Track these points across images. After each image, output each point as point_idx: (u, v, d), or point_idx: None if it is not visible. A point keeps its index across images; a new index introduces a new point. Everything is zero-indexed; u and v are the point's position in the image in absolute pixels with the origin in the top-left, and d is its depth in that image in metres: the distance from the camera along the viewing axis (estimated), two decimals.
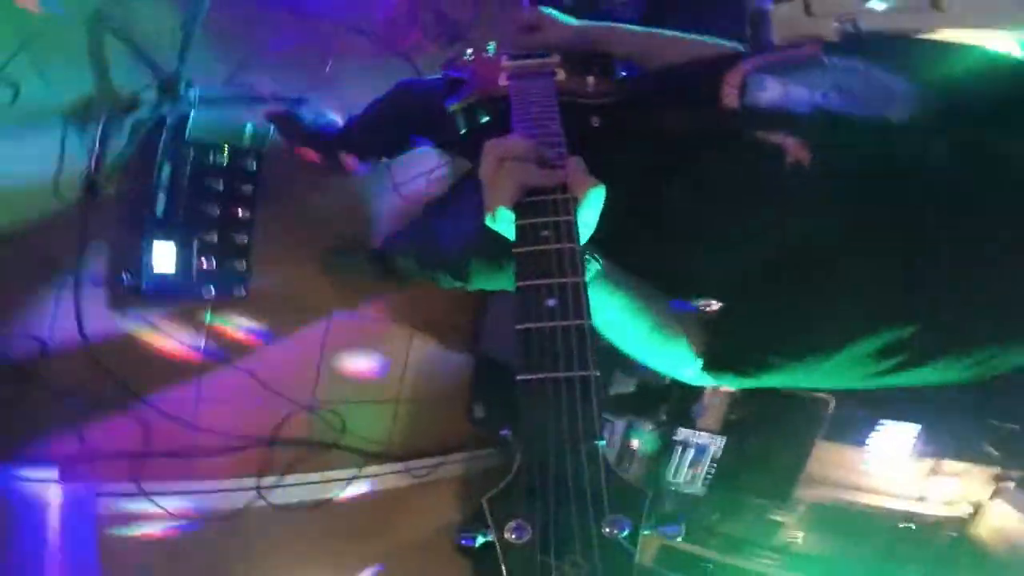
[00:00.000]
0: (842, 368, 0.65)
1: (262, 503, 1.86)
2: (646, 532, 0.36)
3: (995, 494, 1.99)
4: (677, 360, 0.75)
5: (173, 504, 1.66)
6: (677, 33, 0.95)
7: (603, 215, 0.58)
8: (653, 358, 0.76)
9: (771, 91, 0.71)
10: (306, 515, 1.95)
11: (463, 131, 0.95)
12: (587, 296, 0.47)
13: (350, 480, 2.08)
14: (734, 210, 0.70)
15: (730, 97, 0.73)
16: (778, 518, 2.13)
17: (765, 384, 0.71)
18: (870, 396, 2.02)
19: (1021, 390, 1.83)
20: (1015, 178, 0.56)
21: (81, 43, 1.28)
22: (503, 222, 0.57)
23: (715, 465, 2.11)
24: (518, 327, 0.47)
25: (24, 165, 1.29)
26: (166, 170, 1.38)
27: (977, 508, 2.01)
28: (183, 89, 1.33)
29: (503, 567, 0.36)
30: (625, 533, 0.35)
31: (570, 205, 0.54)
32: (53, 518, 1.37)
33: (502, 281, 1.11)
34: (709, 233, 0.73)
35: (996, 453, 1.94)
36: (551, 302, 0.47)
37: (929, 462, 2.03)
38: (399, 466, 2.25)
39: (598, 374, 0.43)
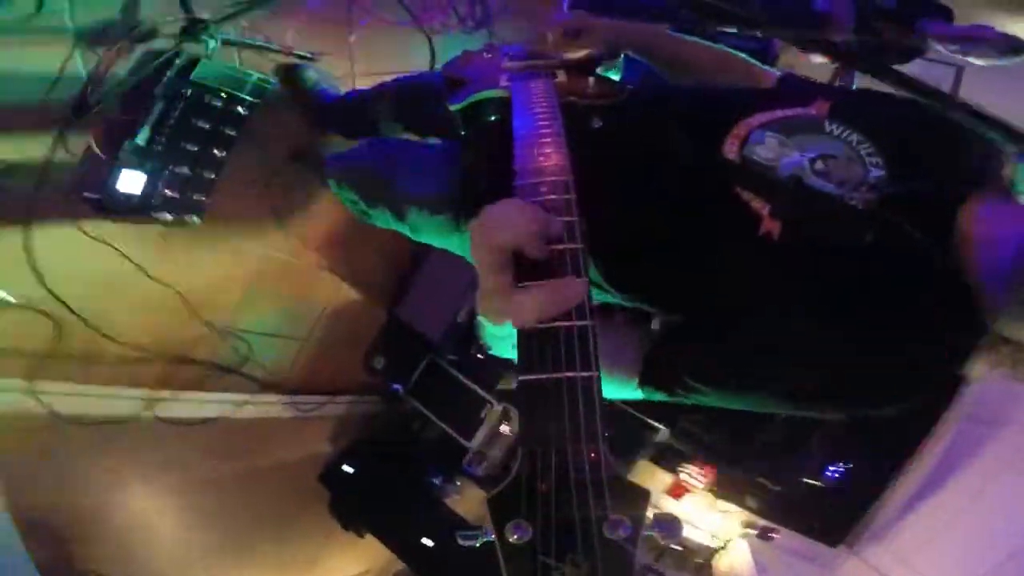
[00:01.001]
0: (760, 401, 0.73)
1: (148, 414, 1.89)
2: (646, 533, 0.36)
3: (741, 536, 2.52)
4: (616, 386, 0.78)
5: (63, 406, 1.64)
6: (717, 46, 0.96)
7: (596, 214, 0.56)
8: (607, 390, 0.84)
9: (768, 149, 0.76)
10: (186, 430, 2.00)
11: (463, 131, 0.94)
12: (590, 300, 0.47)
13: (240, 405, 2.15)
14: (704, 250, 0.74)
15: (731, 149, 0.77)
16: None
17: (692, 403, 0.77)
18: (694, 436, 2.48)
19: (795, 458, 2.36)
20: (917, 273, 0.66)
21: None
22: (503, 331, 0.51)
23: None
24: (520, 330, 0.46)
25: (21, 80, 1.17)
26: (159, 106, 1.31)
27: (725, 544, 2.53)
28: (205, 36, 1.25)
29: (503, 567, 0.35)
30: (626, 534, 0.35)
31: (579, 259, 0.50)
32: None
33: (451, 242, 1.06)
34: (682, 262, 0.76)
35: (754, 505, 2.48)
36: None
37: (711, 497, 2.54)
38: (287, 398, 2.35)
39: (599, 375, 0.42)
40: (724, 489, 2.55)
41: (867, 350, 0.66)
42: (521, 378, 0.42)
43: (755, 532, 2.53)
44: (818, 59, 1.22)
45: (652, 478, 2.60)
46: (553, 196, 0.55)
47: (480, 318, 0.53)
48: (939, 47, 1.21)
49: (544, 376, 0.42)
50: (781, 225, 0.69)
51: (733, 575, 2.50)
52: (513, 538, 0.35)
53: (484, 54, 0.97)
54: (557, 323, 0.45)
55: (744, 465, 2.48)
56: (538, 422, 0.40)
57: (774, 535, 2.49)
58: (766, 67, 0.95)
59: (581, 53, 0.92)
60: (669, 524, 0.38)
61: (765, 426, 2.34)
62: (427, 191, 1.09)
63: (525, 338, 0.45)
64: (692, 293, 0.75)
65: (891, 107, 0.84)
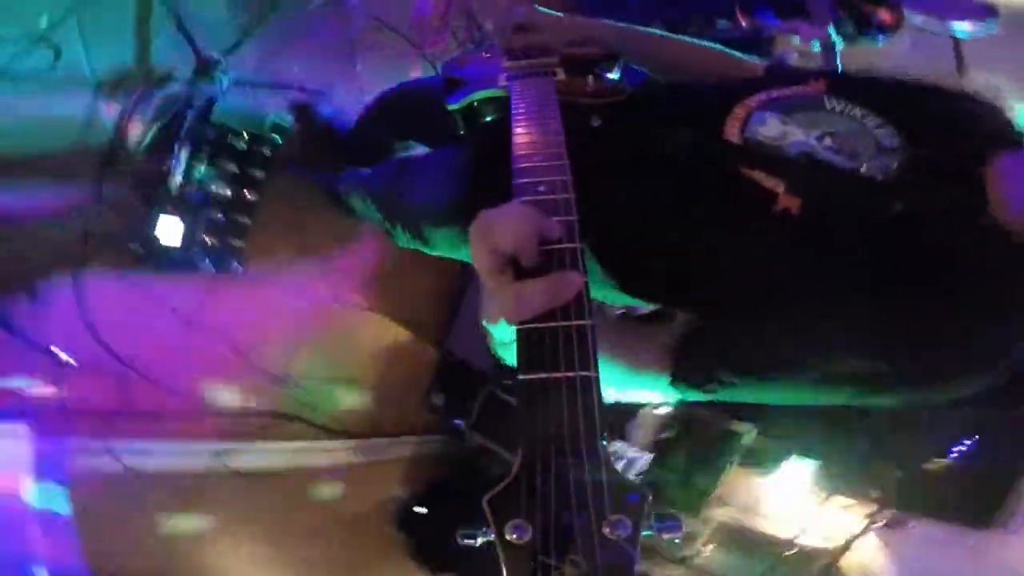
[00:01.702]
0: (801, 390, 0.70)
1: (221, 467, 1.92)
2: (646, 533, 0.36)
3: (865, 531, 2.25)
4: (647, 386, 0.77)
5: (137, 462, 1.69)
6: (697, 41, 0.96)
7: (595, 213, 0.57)
8: (628, 392, 0.78)
9: (770, 128, 0.75)
10: (260, 482, 2.02)
11: (463, 132, 0.95)
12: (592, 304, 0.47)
13: (307, 452, 2.16)
14: (719, 237, 0.73)
15: (733, 131, 0.76)
16: (688, 531, 2.36)
17: (727, 399, 0.75)
18: (782, 433, 2.27)
19: (908, 438, 2.11)
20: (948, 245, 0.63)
21: (128, 14, 1.27)
22: (502, 331, 0.53)
23: (640, 477, 2.32)
24: (520, 328, 0.46)
25: (49, 130, 1.28)
26: (185, 151, 1.39)
27: (849, 542, 2.26)
28: (217, 74, 1.34)
29: (503, 567, 0.35)
30: (626, 534, 0.35)
31: (578, 258, 0.50)
32: (25, 472, 1.40)
33: (463, 254, 1.08)
34: (695, 253, 0.75)
35: (875, 494, 2.22)
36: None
37: (819, 495, 2.30)
38: (353, 443, 2.35)
39: (599, 374, 0.42)
40: (834, 483, 2.30)
41: (919, 322, 0.62)
42: (520, 377, 0.43)
43: (883, 523, 2.26)
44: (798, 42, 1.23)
45: (744, 483, 2.40)
46: (552, 195, 0.56)
47: (485, 324, 0.55)
48: (918, 19, 1.23)
49: (544, 375, 0.42)
50: (800, 201, 0.68)
51: (865, 572, 2.23)
52: (512, 538, 0.35)
53: (483, 54, 0.98)
54: (557, 323, 0.45)
55: (850, 455, 2.26)
56: (538, 421, 0.40)
57: (905, 526, 2.21)
58: (754, 59, 0.96)
59: (589, 52, 0.93)
60: (670, 523, 0.38)
61: (867, 412, 2.14)
62: (432, 203, 1.12)
63: (524, 337, 0.45)
64: (711, 284, 0.74)
65: (886, 81, 0.84)
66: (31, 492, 1.39)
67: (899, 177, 0.67)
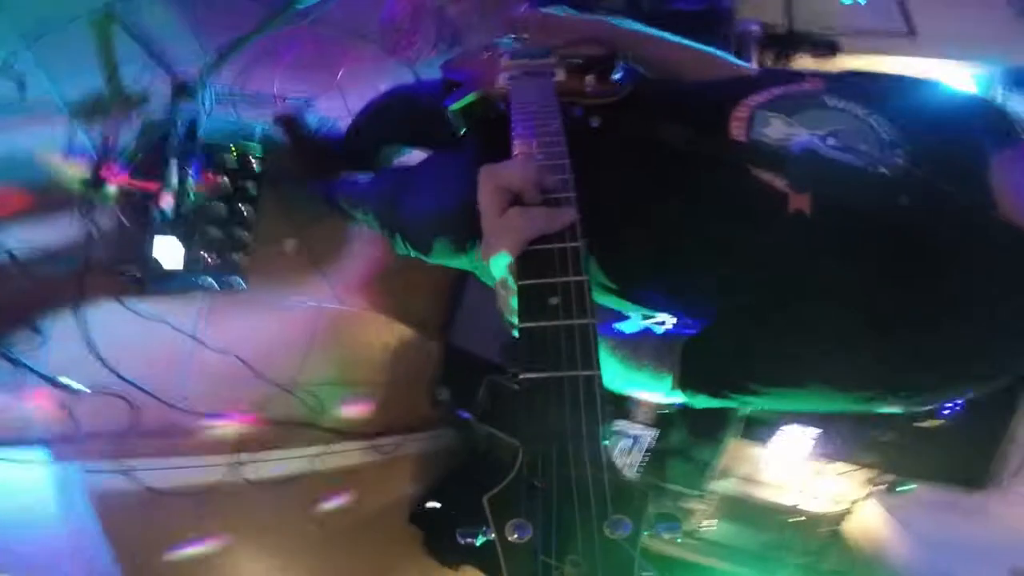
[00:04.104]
0: (812, 397, 0.69)
1: (237, 478, 1.95)
2: (646, 532, 0.36)
3: (868, 495, 2.30)
4: (648, 387, 0.77)
5: (154, 479, 1.72)
6: (691, 42, 0.96)
7: (596, 213, 0.56)
8: (626, 388, 0.78)
9: (775, 129, 0.74)
10: (277, 489, 2.06)
11: (463, 132, 0.94)
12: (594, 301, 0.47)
13: (321, 456, 2.19)
14: (731, 239, 0.71)
15: (738, 130, 0.75)
16: (693, 505, 2.39)
17: (735, 405, 0.73)
18: None
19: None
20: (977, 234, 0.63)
21: (89, 42, 1.26)
22: (499, 267, 0.54)
23: (648, 454, 2.34)
24: (521, 325, 0.46)
25: (30, 162, 1.28)
26: (175, 168, 1.40)
27: (852, 507, 2.32)
28: (198, 91, 1.34)
29: (503, 567, 0.35)
30: (626, 534, 0.35)
31: (579, 255, 0.50)
32: (48, 498, 1.42)
33: (462, 262, 1.09)
34: (701, 253, 0.73)
35: (874, 459, 2.26)
36: (554, 300, 0.47)
37: (820, 463, 2.34)
38: (365, 443, 2.38)
39: (600, 373, 0.42)
40: (829, 449, 2.34)
41: (935, 320, 0.61)
42: (522, 376, 0.43)
43: (883, 488, 2.30)
44: None
45: (745, 454, 2.44)
46: (553, 195, 0.56)
47: (484, 262, 0.55)
48: None
49: (545, 374, 0.42)
50: (811, 200, 0.67)
51: (870, 537, 2.27)
52: (513, 537, 0.35)
53: (482, 54, 0.98)
54: (559, 321, 0.45)
55: (844, 421, 2.29)
56: (539, 420, 0.40)
57: (907, 488, 2.25)
58: (746, 64, 0.96)
59: (588, 52, 0.92)
60: (670, 523, 0.38)
61: None
62: (431, 212, 1.12)
63: (527, 336, 0.45)
64: (720, 287, 0.72)
65: (883, 79, 0.82)
66: (57, 515, 1.42)
67: (905, 172, 0.67)
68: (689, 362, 0.74)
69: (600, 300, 0.84)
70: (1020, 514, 2.03)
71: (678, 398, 0.76)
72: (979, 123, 0.72)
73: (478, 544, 0.38)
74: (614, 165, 0.80)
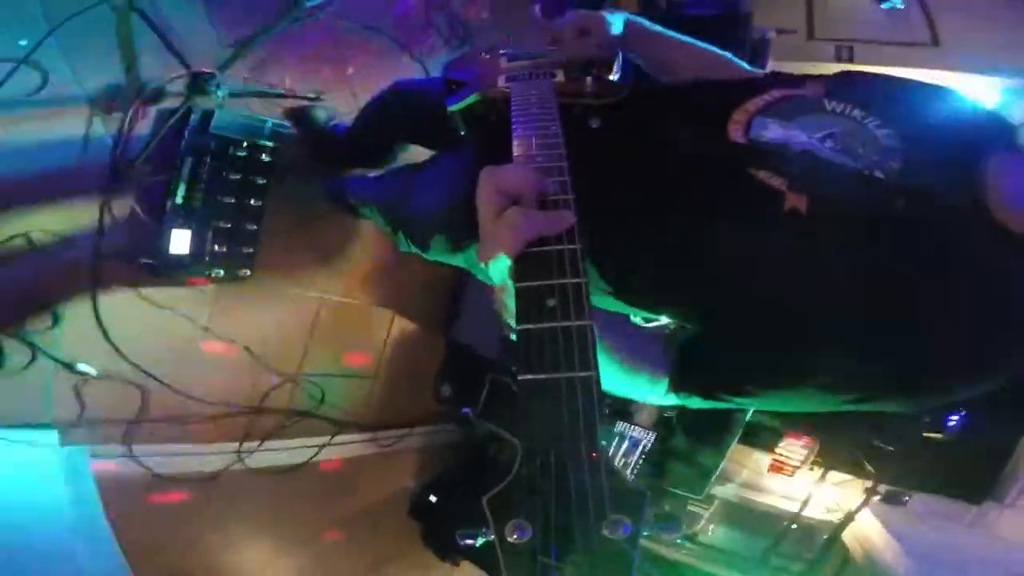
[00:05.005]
0: (804, 398, 0.69)
1: (240, 466, 1.98)
2: (646, 533, 0.36)
3: (864, 504, 2.30)
4: (641, 391, 0.77)
5: (159, 466, 1.76)
6: (709, 47, 0.96)
7: (594, 214, 0.57)
8: (620, 391, 0.78)
9: (773, 133, 0.75)
10: (279, 478, 2.09)
11: (463, 133, 0.95)
12: (590, 302, 0.47)
13: (322, 447, 2.22)
14: (728, 239, 0.71)
15: (736, 132, 0.76)
16: (694, 509, 2.41)
17: (729, 407, 0.74)
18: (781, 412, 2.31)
19: (908, 415, 2.14)
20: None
21: (109, 32, 1.28)
22: (499, 269, 0.54)
23: (644, 457, 2.35)
24: (519, 328, 0.46)
25: (49, 151, 1.30)
26: (188, 162, 1.43)
27: (848, 516, 2.32)
28: (213, 86, 1.37)
29: (503, 567, 0.35)
30: (625, 535, 0.35)
31: (577, 257, 0.51)
32: (56, 480, 1.45)
33: (458, 260, 1.10)
34: (699, 254, 0.73)
35: (871, 469, 2.27)
36: (551, 302, 0.47)
37: (818, 471, 2.35)
38: (367, 435, 2.41)
39: (599, 375, 0.42)
40: (831, 458, 2.35)
41: (926, 322, 0.62)
42: (521, 378, 0.43)
43: (880, 498, 2.31)
44: None
45: (748, 459, 2.44)
46: (552, 196, 0.56)
47: (482, 265, 0.55)
48: None
49: (544, 376, 0.42)
50: (807, 199, 0.67)
51: (867, 546, 2.28)
52: (513, 538, 0.35)
53: (483, 55, 0.99)
54: (557, 323, 0.45)
55: (846, 431, 2.30)
56: (538, 422, 0.40)
57: (904, 499, 2.26)
58: (748, 66, 0.96)
59: (588, 52, 0.92)
60: (670, 524, 0.38)
61: None
62: (432, 211, 1.13)
63: (524, 338, 0.45)
64: (715, 285, 0.72)
65: (881, 83, 0.83)
66: (63, 497, 1.45)
67: (901, 176, 0.67)
68: (683, 364, 0.74)
69: (598, 302, 0.84)
70: (1020, 529, 2.03)
71: (672, 400, 0.76)
72: (978, 130, 0.73)
73: (478, 545, 0.38)
74: (613, 166, 0.80)
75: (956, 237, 0.64)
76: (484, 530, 0.37)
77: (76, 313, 1.47)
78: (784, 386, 0.70)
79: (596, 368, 0.42)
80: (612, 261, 0.80)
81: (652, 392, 0.77)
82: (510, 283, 0.51)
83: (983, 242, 0.64)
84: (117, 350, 1.55)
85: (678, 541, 2.38)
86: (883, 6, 1.72)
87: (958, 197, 0.66)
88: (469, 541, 0.38)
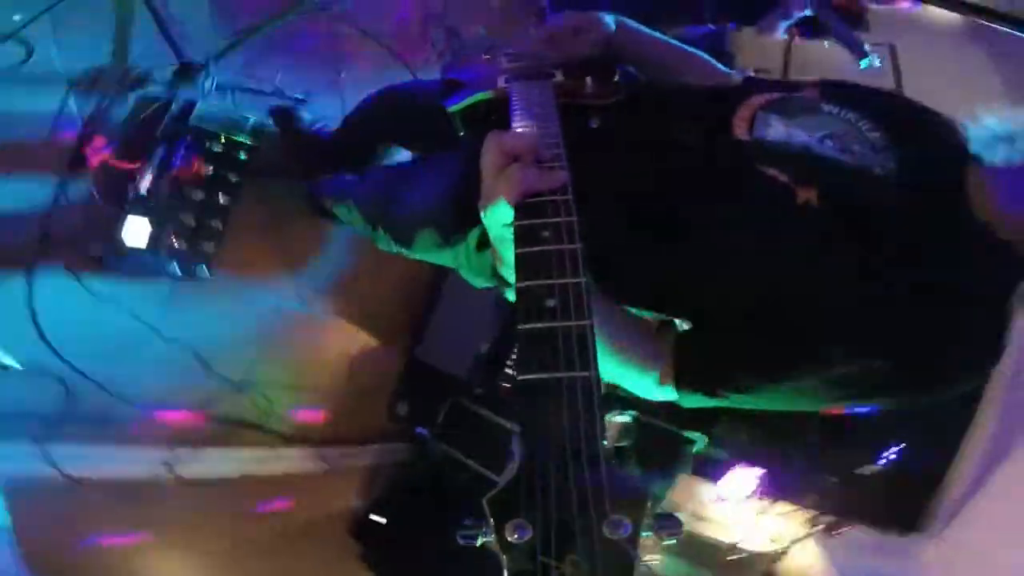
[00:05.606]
0: (805, 393, 0.71)
1: (168, 474, 1.85)
2: (646, 533, 0.36)
3: (806, 536, 2.35)
4: (644, 385, 0.78)
5: (76, 468, 1.61)
6: (699, 52, 0.98)
7: (596, 214, 0.58)
8: (623, 382, 0.79)
9: (775, 131, 0.77)
10: (210, 489, 1.96)
11: (462, 134, 0.94)
12: (589, 296, 0.47)
13: (263, 460, 2.10)
14: (742, 234, 0.72)
15: (740, 129, 0.78)
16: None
17: (730, 405, 0.75)
18: (732, 441, 2.34)
19: (847, 447, 2.20)
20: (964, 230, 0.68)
21: (108, 16, 1.20)
22: (497, 218, 0.57)
23: None
24: (519, 327, 0.47)
25: (17, 125, 1.21)
26: (160, 149, 1.33)
27: (789, 547, 2.37)
28: (200, 78, 1.28)
29: (503, 567, 0.35)
30: (626, 534, 0.35)
31: (571, 206, 0.53)
32: None
33: (444, 258, 1.10)
34: (711, 250, 0.74)
35: (812, 502, 2.32)
36: (551, 302, 0.47)
37: (764, 502, 2.38)
38: (313, 451, 2.30)
39: (598, 374, 0.43)
40: (775, 490, 2.39)
41: (923, 318, 0.65)
42: (520, 378, 0.43)
43: (822, 528, 2.35)
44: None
45: (694, 491, 2.46)
46: (551, 197, 0.56)
47: (480, 211, 0.58)
48: None
49: (543, 375, 0.42)
50: (817, 192, 0.70)
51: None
52: (513, 538, 0.35)
53: (483, 56, 0.98)
54: (556, 323, 0.45)
55: (791, 463, 2.34)
56: (537, 422, 0.40)
57: (841, 531, 2.30)
58: (726, 69, 0.98)
59: (582, 52, 0.92)
60: (669, 523, 0.38)
61: (804, 421, 2.20)
62: (418, 206, 1.13)
63: (524, 338, 0.45)
64: (728, 282, 0.73)
65: (869, 89, 0.88)
66: None
67: (898, 173, 0.71)
68: (683, 358, 0.74)
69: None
70: (950, 560, 2.08)
71: (666, 395, 0.77)
72: (948, 134, 0.77)
73: (478, 545, 0.37)
74: (614, 165, 0.80)
75: (951, 236, 0.68)
76: (484, 530, 0.37)
77: (9, 296, 1.34)
78: (793, 378, 0.71)
79: (596, 367, 0.42)
80: (611, 259, 0.78)
81: (641, 383, 0.77)
82: (509, 232, 0.54)
83: (973, 244, 0.68)
84: (44, 338, 1.42)
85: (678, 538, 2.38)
86: (862, 64, 1.83)
87: (949, 199, 0.70)
88: (469, 541, 0.37)
